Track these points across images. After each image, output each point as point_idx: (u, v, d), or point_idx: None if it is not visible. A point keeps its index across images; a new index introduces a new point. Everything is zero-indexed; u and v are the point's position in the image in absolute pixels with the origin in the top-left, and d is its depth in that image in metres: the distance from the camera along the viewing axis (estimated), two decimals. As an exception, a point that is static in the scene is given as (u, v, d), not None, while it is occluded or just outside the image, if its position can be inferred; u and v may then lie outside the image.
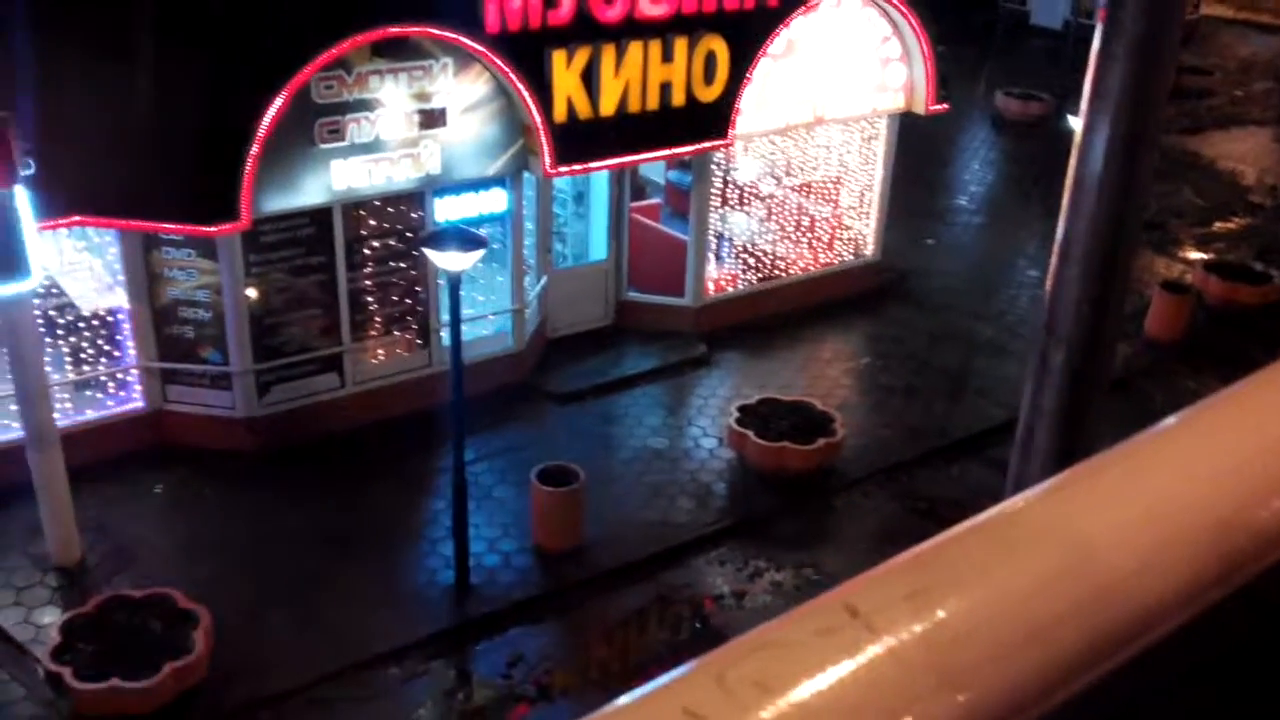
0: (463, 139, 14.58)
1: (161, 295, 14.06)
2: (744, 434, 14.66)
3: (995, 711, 1.15)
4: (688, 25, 15.57)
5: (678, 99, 15.76)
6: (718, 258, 18.02)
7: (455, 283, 11.47)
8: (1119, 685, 1.26)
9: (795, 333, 18.21)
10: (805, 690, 1.07)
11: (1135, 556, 1.31)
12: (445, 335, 14.41)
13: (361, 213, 14.46)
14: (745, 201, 18.01)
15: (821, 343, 18.17)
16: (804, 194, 18.64)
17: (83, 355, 13.98)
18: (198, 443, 14.34)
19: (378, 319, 15.07)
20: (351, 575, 12.71)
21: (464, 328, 12.33)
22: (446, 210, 14.81)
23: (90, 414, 14.07)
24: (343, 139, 13.71)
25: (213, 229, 13.05)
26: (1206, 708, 1.59)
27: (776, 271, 18.73)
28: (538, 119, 14.61)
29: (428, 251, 11.55)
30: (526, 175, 15.51)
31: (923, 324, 18.79)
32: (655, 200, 18.89)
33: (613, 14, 14.95)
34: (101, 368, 14.11)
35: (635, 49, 15.17)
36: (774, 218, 18.47)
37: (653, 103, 15.54)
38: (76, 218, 12.78)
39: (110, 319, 14.02)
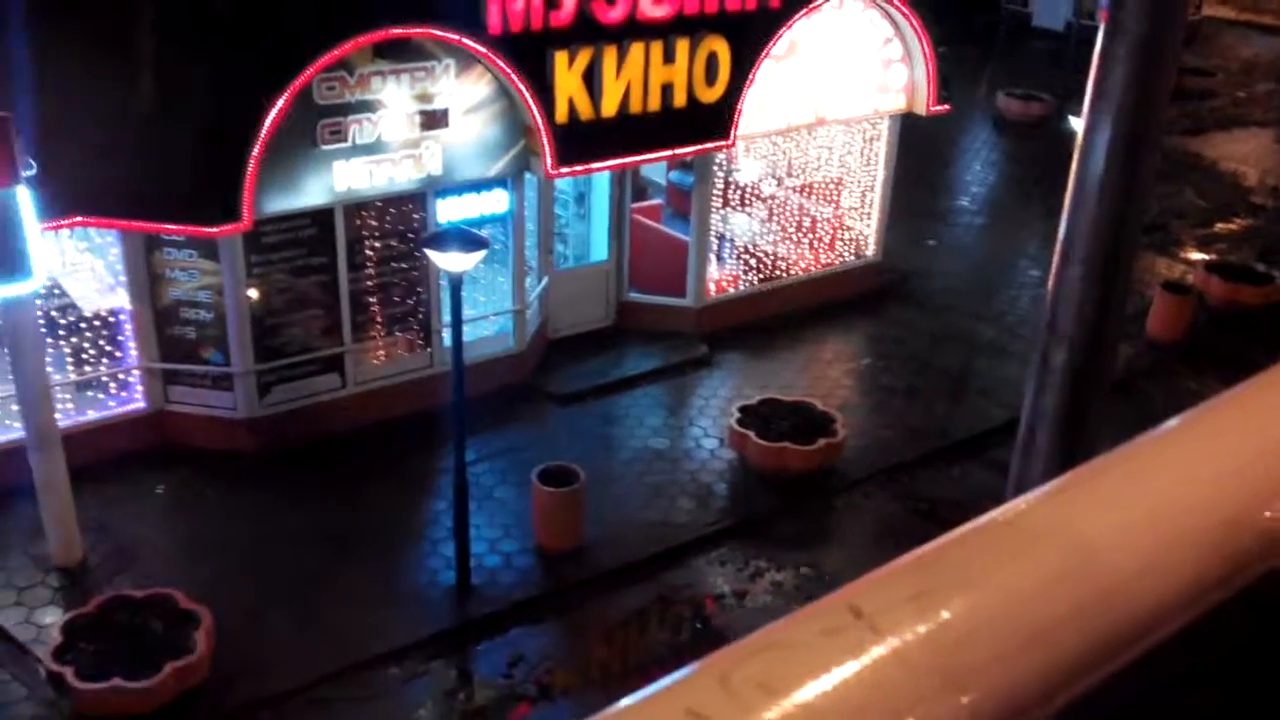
0: (464, 140, 14.58)
1: (163, 296, 14.06)
2: (745, 434, 14.65)
3: (998, 712, 1.16)
4: (689, 26, 15.56)
5: (679, 100, 15.76)
6: (719, 258, 18.02)
7: (457, 283, 11.46)
8: (1121, 686, 1.27)
9: (796, 333, 18.20)
10: (809, 691, 1.08)
11: (1137, 558, 1.32)
12: (446, 336, 14.42)
13: (363, 213, 14.46)
14: (747, 202, 18.01)
15: (823, 343, 18.17)
16: (805, 195, 18.63)
17: (84, 356, 13.98)
18: (199, 443, 14.35)
19: (379, 320, 15.06)
20: (352, 575, 12.71)
21: (465, 328, 12.32)
22: (448, 211, 14.80)
23: (92, 414, 14.06)
24: (345, 140, 13.71)
25: (214, 230, 13.05)
26: (1208, 709, 1.60)
27: (778, 272, 18.72)
28: (539, 120, 14.61)
29: (429, 252, 11.55)
30: (528, 176, 15.51)
31: (924, 325, 18.79)
32: (657, 201, 18.89)
33: (614, 15, 14.95)
34: (103, 368, 14.10)
35: (637, 50, 15.17)
36: (775, 219, 18.46)
37: (654, 104, 15.54)
38: (78, 218, 12.78)
39: (112, 319, 14.02)
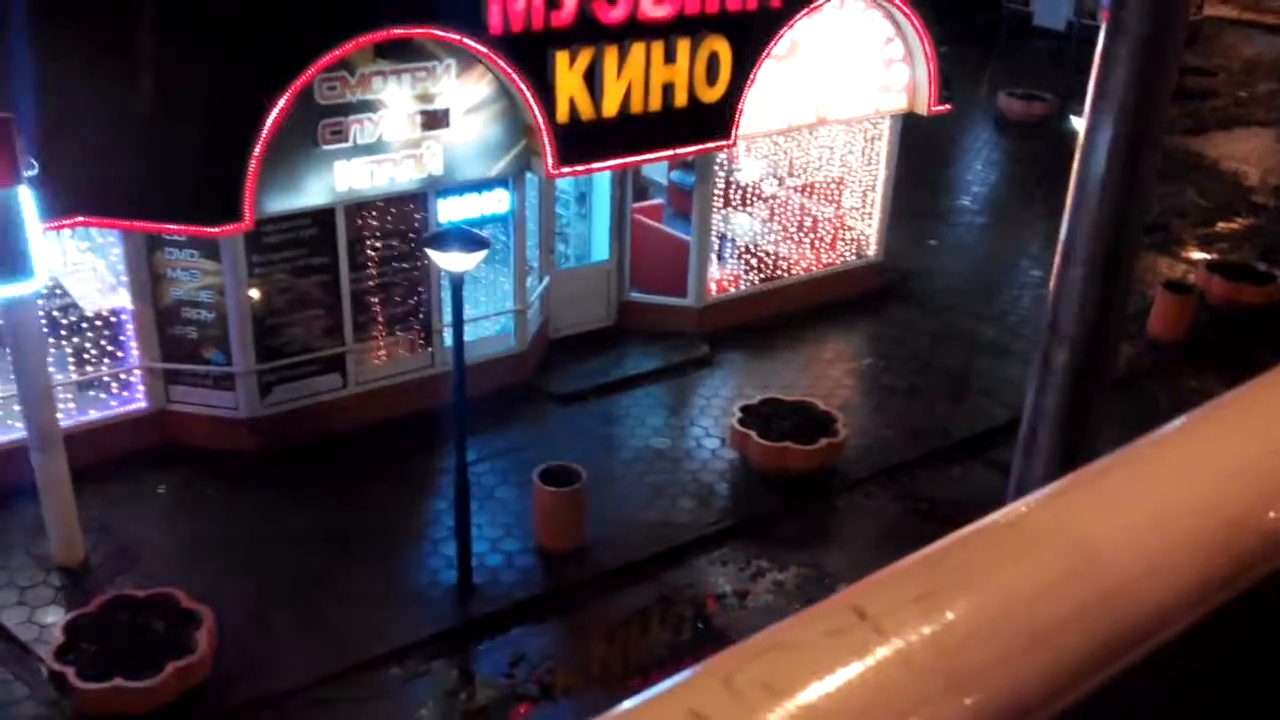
0: (465, 140, 14.58)
1: (164, 296, 14.06)
2: (746, 434, 14.65)
3: (1002, 714, 1.15)
4: (690, 26, 15.56)
5: (680, 100, 15.75)
6: (720, 258, 18.02)
7: (458, 283, 11.46)
8: (1125, 688, 1.26)
9: (797, 333, 18.20)
10: (813, 692, 1.08)
11: (1142, 559, 1.32)
12: (448, 336, 14.42)
13: (364, 213, 14.46)
14: (748, 202, 18.01)
15: (824, 343, 18.17)
16: (806, 194, 18.63)
17: (86, 356, 13.98)
18: (200, 443, 14.35)
19: (380, 320, 15.07)
20: (354, 575, 12.72)
21: (466, 328, 12.32)
22: (449, 211, 14.81)
23: (93, 414, 14.07)
24: (346, 140, 13.71)
25: (216, 230, 13.06)
26: (1211, 711, 1.60)
27: (779, 272, 18.72)
28: (540, 120, 14.61)
29: (430, 252, 11.55)
30: (529, 176, 15.51)
31: (925, 324, 18.79)
32: (658, 201, 18.88)
33: (615, 15, 14.95)
34: (105, 368, 14.11)
35: (638, 50, 15.17)
36: (776, 218, 18.46)
37: (655, 104, 15.54)
38: (80, 218, 12.79)
39: (113, 319, 14.03)
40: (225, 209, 12.87)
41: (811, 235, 18.89)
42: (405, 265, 14.99)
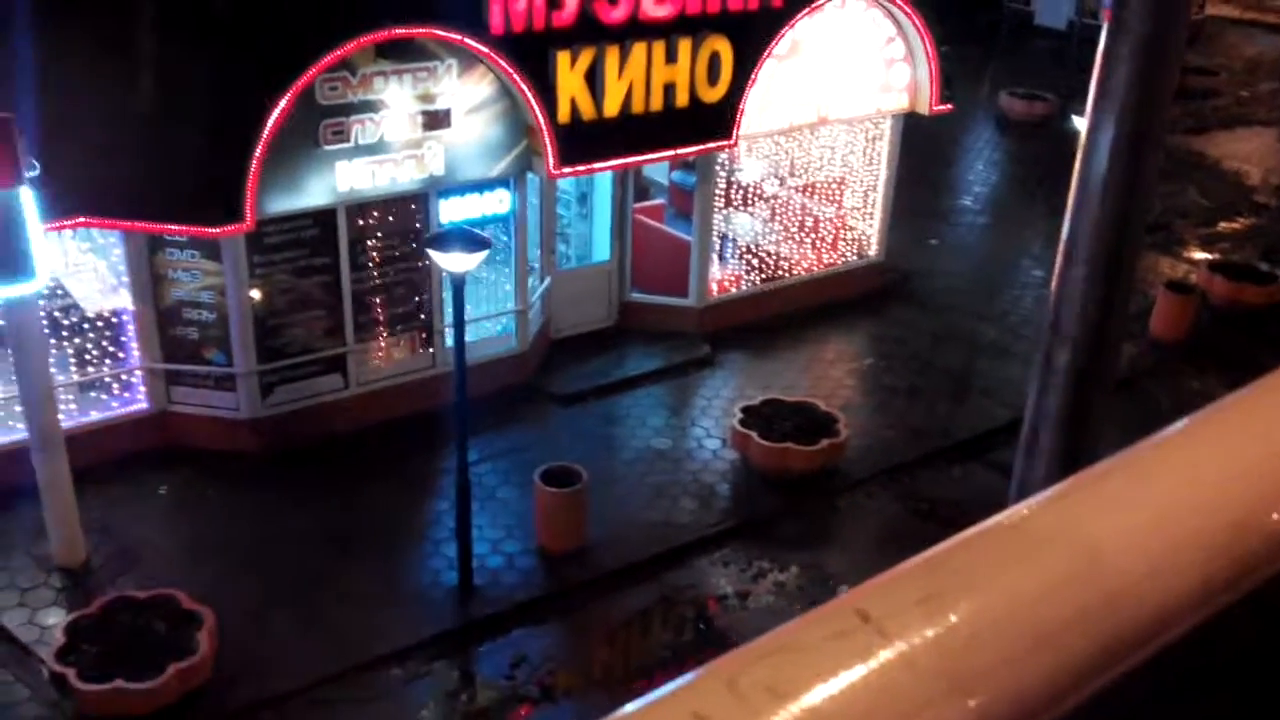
0: (467, 140, 14.58)
1: (166, 296, 14.06)
2: (747, 435, 14.65)
3: (1006, 716, 1.15)
4: (692, 26, 15.56)
5: (681, 100, 15.75)
6: (721, 258, 18.01)
7: (459, 284, 11.46)
8: (1128, 690, 1.26)
9: (799, 333, 18.20)
10: (817, 695, 1.07)
11: (1145, 561, 1.31)
12: (449, 336, 14.42)
13: (365, 214, 14.46)
14: (749, 202, 18.01)
15: (825, 343, 18.16)
16: (808, 195, 18.63)
17: (87, 356, 13.98)
18: (202, 444, 14.36)
19: (381, 320, 15.07)
20: (355, 576, 12.71)
21: (467, 328, 12.31)
22: (450, 211, 14.81)
23: (94, 415, 14.07)
24: (347, 140, 13.71)
25: (217, 230, 13.06)
26: (1215, 714, 1.60)
27: (780, 272, 18.72)
28: (541, 120, 14.61)
29: (432, 253, 11.55)
30: (530, 176, 15.51)
31: (926, 325, 18.78)
32: (659, 201, 18.89)
33: (616, 15, 14.94)
34: (106, 369, 14.11)
35: (639, 50, 15.17)
36: (778, 218, 18.46)
37: (656, 104, 15.54)
38: (81, 219, 12.79)
39: (114, 320, 14.03)
40: (226, 209, 12.87)
41: (813, 235, 18.89)
42: (406, 266, 14.99)
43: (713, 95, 15.99)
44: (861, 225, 19.36)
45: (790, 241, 18.69)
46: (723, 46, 15.80)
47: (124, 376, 14.23)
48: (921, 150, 21.68)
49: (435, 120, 14.25)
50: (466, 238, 11.31)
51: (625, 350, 17.28)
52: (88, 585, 12.28)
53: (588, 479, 13.17)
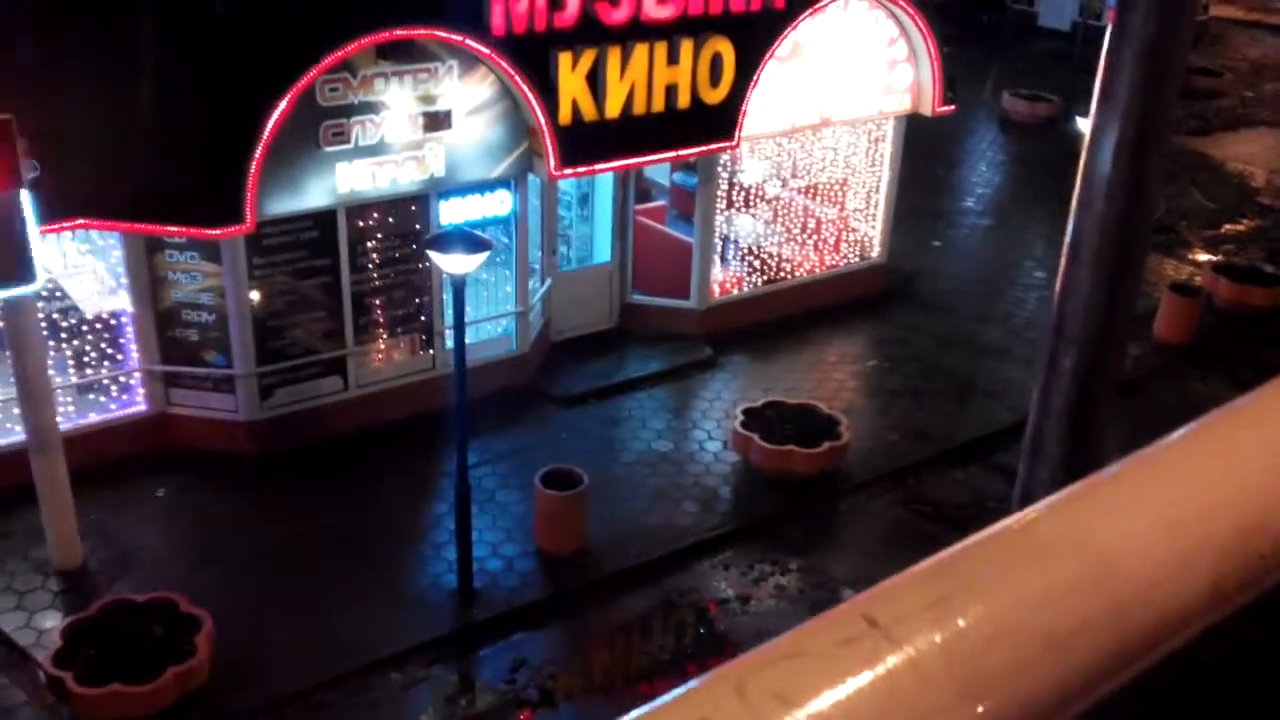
0: (467, 141, 14.56)
1: (165, 298, 14.04)
2: (749, 437, 14.62)
3: (1014, 721, 1.16)
4: (694, 27, 15.54)
5: (683, 101, 15.73)
6: (723, 260, 18.00)
7: (460, 286, 11.43)
8: (1134, 692, 1.28)
9: (801, 335, 18.18)
10: (824, 701, 1.08)
11: (1154, 566, 1.33)
12: (449, 338, 14.39)
13: (366, 215, 14.44)
14: (751, 204, 17.99)
15: (827, 345, 18.14)
16: (810, 196, 18.61)
17: (85, 358, 13.95)
18: (200, 446, 14.33)
19: (381, 322, 15.05)
20: (354, 579, 12.68)
21: (468, 330, 12.29)
22: (451, 213, 14.79)
23: (93, 417, 14.05)
24: (347, 141, 13.69)
25: (217, 232, 13.04)
26: (1221, 716, 1.59)
27: (782, 274, 18.70)
28: (542, 121, 14.59)
29: (432, 254, 11.51)
30: (531, 177, 15.49)
31: (929, 327, 18.76)
32: (660, 202, 18.88)
33: (618, 16, 14.92)
34: (104, 371, 14.08)
35: (641, 51, 15.14)
36: (780, 220, 18.44)
37: (658, 105, 15.51)
38: (80, 220, 12.76)
39: (113, 322, 14.00)
40: (226, 211, 12.84)
41: (815, 237, 18.87)
42: (407, 267, 14.97)
43: (715, 96, 15.97)
44: (864, 227, 19.33)
45: (792, 243, 18.67)
46: (725, 47, 15.78)
47: (122, 378, 14.20)
48: (924, 152, 21.68)
49: (436, 121, 14.23)
50: (467, 239, 11.28)
51: (626, 352, 17.26)
52: (85, 588, 12.25)
53: (588, 482, 13.14)
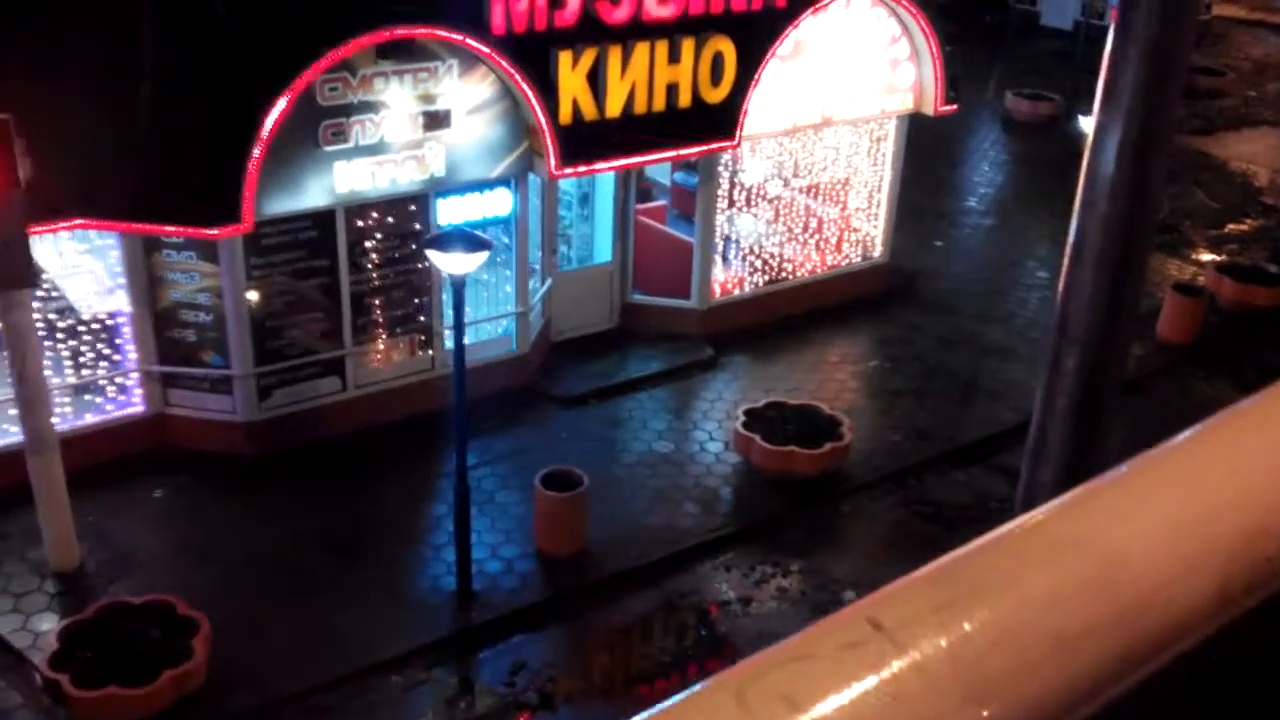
0: (467, 141, 14.53)
1: (162, 298, 14.01)
2: (750, 438, 14.58)
3: (1021, 725, 1.16)
4: (695, 26, 15.51)
5: (684, 100, 15.70)
6: (724, 260, 17.96)
7: (459, 286, 11.39)
8: (1140, 694, 1.27)
9: (802, 335, 18.15)
10: (828, 706, 1.07)
11: (1162, 568, 1.32)
12: (448, 338, 14.36)
13: (365, 215, 14.40)
14: (752, 203, 17.95)
15: (829, 346, 18.10)
16: (812, 196, 18.58)
17: (83, 359, 13.92)
18: (198, 447, 14.29)
19: (380, 322, 15.01)
20: (352, 581, 12.64)
21: (467, 331, 12.25)
22: (450, 212, 14.75)
23: (90, 418, 14.02)
24: (347, 141, 13.66)
25: (215, 232, 13.01)
26: (1216, 714, 1.59)
27: (784, 274, 18.67)
28: (543, 120, 14.55)
29: (431, 254, 11.47)
30: (531, 177, 15.46)
31: (931, 327, 18.72)
32: (661, 202, 18.86)
33: (619, 15, 14.89)
34: (101, 371, 14.05)
35: (642, 50, 15.11)
36: (781, 220, 18.40)
37: (659, 104, 15.48)
38: (78, 220, 12.73)
39: (111, 322, 13.97)
40: (224, 211, 12.81)
41: (817, 237, 18.83)
42: (406, 267, 14.93)
43: (716, 96, 15.94)
44: (866, 226, 19.30)
45: (794, 243, 18.64)
46: (726, 47, 15.75)
47: (120, 379, 14.17)
48: (926, 151, 21.64)
49: (436, 121, 14.20)
50: (467, 239, 11.24)
51: (627, 352, 17.23)
52: (82, 590, 12.21)
53: (588, 483, 13.10)
